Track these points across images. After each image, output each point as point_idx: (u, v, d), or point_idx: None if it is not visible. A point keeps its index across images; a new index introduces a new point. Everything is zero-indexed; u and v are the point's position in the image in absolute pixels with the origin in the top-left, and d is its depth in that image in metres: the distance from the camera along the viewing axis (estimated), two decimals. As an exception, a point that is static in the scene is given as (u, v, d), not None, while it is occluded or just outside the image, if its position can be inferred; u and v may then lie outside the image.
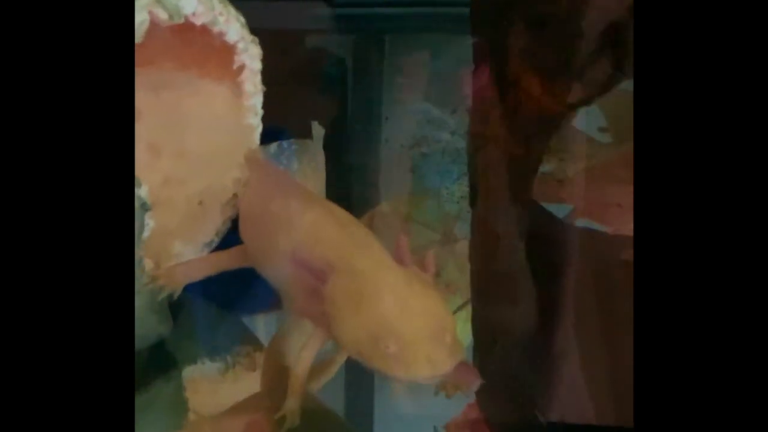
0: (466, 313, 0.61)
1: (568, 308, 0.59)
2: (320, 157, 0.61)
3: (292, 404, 0.51)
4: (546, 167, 0.71)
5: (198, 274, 0.59)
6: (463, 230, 0.73)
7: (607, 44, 0.58)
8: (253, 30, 0.62)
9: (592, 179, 0.70)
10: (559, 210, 0.67)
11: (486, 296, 0.64)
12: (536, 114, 0.61)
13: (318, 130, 0.62)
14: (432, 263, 0.54)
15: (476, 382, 0.50)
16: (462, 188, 0.76)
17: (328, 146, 0.60)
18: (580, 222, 0.65)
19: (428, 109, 0.86)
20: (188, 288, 0.62)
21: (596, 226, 0.65)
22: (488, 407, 0.55)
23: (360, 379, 0.58)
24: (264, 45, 0.62)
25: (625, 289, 0.42)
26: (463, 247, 0.69)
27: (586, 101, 0.60)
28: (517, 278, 0.63)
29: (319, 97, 0.94)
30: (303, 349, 0.52)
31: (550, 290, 0.60)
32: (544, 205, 0.66)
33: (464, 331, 0.59)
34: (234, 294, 0.66)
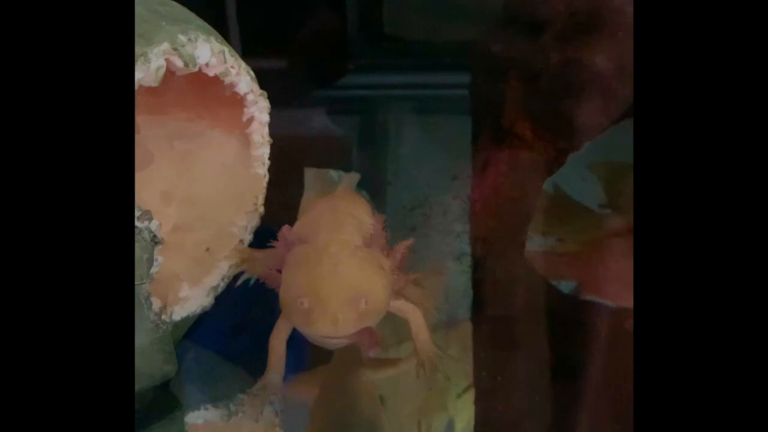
0: (469, 397, 0.60)
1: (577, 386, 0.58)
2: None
3: (269, 377, 0.56)
4: (548, 242, 0.72)
5: (273, 264, 0.59)
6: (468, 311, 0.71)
7: (595, 93, 0.61)
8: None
9: (594, 252, 0.71)
10: (565, 286, 0.68)
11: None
12: (529, 158, 0.63)
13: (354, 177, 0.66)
14: (400, 254, 0.56)
15: (375, 348, 0.52)
16: (465, 262, 0.74)
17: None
18: (585, 296, 0.66)
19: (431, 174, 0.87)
20: (193, 336, 0.63)
21: (600, 300, 0.66)
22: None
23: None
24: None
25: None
26: (467, 328, 0.68)
27: (575, 146, 0.62)
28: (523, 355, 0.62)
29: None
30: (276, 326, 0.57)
31: (560, 373, 0.60)
32: (551, 281, 0.67)
33: (466, 415, 0.58)
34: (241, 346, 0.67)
